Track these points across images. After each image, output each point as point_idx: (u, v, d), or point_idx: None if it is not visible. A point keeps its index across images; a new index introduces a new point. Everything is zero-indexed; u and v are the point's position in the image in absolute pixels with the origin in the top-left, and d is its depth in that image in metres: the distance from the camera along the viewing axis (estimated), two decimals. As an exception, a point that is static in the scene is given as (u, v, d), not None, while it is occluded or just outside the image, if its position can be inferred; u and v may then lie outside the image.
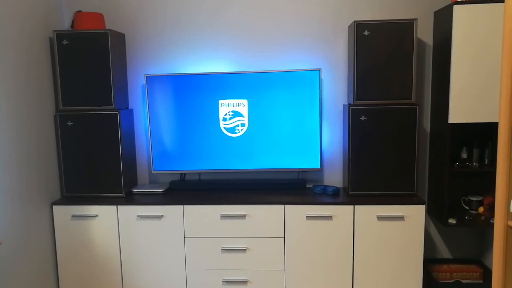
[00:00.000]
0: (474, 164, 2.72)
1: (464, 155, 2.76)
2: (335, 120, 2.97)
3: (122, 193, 2.81)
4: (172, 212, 2.67)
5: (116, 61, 2.77)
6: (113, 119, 2.74)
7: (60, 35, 2.69)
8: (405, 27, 2.56)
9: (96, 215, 2.71)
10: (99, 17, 2.80)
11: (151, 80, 2.88)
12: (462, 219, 2.69)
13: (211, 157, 2.93)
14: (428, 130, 2.95)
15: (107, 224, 2.71)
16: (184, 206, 2.67)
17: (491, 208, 2.74)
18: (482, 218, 2.71)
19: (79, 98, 2.74)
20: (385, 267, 2.62)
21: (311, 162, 2.88)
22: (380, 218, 2.58)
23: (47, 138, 2.74)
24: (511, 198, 1.51)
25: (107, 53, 2.68)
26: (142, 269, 2.74)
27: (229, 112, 2.88)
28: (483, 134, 2.73)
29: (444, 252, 3.07)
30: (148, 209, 2.69)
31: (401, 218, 2.57)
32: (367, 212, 2.59)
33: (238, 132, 2.90)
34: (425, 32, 2.86)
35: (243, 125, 2.89)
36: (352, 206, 2.59)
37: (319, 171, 2.97)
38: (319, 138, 2.85)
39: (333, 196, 2.73)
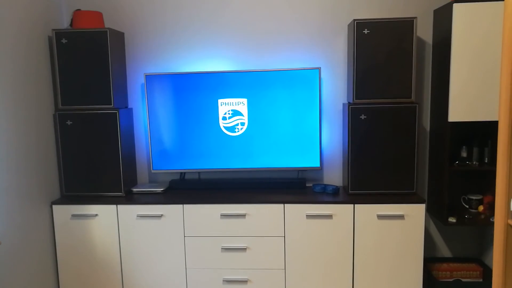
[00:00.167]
0: (474, 162, 2.72)
1: (464, 154, 2.76)
2: (334, 119, 2.97)
3: (121, 192, 2.80)
4: (172, 211, 2.67)
5: (115, 60, 2.77)
6: (112, 118, 2.74)
7: (59, 34, 2.68)
8: (405, 26, 2.55)
9: (96, 215, 2.71)
10: (98, 16, 2.80)
11: (151, 79, 2.88)
12: (462, 217, 2.69)
13: (210, 156, 2.92)
14: (428, 128, 2.95)
15: (107, 224, 2.71)
16: (184, 205, 2.67)
17: (491, 207, 2.74)
18: (482, 216, 2.71)
19: (78, 97, 2.73)
20: (385, 266, 2.62)
21: (311, 161, 2.88)
22: (380, 217, 2.58)
23: (47, 138, 2.74)
24: (511, 197, 1.51)
25: (107, 52, 2.68)
26: (142, 269, 2.74)
27: (228, 111, 2.88)
28: (483, 133, 2.73)
29: (444, 250, 3.07)
30: (148, 208, 2.68)
31: (401, 217, 2.57)
32: (367, 211, 2.58)
33: (238, 131, 2.90)
34: (425, 31, 2.86)
35: (242, 124, 2.89)
36: (352, 205, 2.59)
37: (319, 170, 2.97)
38: (319, 137, 2.85)
39: (333, 195, 2.73)
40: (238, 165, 2.92)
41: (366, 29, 2.57)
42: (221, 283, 2.71)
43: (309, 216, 2.61)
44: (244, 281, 2.70)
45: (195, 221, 2.67)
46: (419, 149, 2.82)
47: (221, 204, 2.65)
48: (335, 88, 2.94)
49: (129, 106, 3.04)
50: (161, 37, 2.97)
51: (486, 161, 2.73)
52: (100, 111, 2.73)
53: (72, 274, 2.77)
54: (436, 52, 2.79)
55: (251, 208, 2.64)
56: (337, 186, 2.81)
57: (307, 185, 2.96)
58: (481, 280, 2.80)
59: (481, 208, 2.78)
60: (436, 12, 2.76)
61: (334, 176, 3.02)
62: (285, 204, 2.62)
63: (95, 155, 2.77)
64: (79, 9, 2.81)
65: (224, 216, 2.65)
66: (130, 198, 2.77)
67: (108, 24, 2.95)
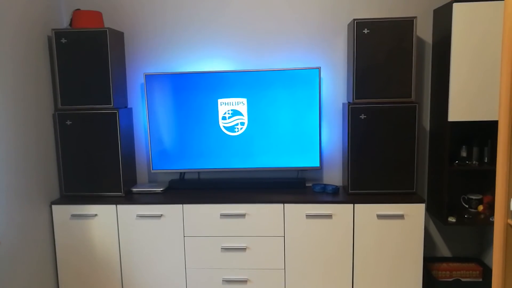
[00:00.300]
0: (474, 162, 2.72)
1: (464, 154, 2.76)
2: (334, 119, 2.97)
3: (121, 192, 2.80)
4: (171, 211, 2.67)
5: (115, 60, 2.76)
6: (112, 118, 2.73)
7: (58, 33, 2.68)
8: (405, 25, 2.55)
9: (96, 215, 2.71)
10: (98, 15, 2.80)
11: (150, 78, 2.87)
12: (462, 217, 2.69)
13: (210, 156, 2.92)
14: (428, 128, 2.95)
15: (107, 224, 2.71)
16: (183, 205, 2.67)
17: (490, 207, 2.74)
18: (482, 216, 2.71)
19: (78, 97, 2.73)
20: (385, 265, 2.62)
21: (310, 160, 2.88)
22: (379, 216, 2.58)
23: (46, 137, 2.74)
24: (511, 197, 1.51)
25: (106, 51, 2.67)
26: (141, 269, 2.74)
27: (228, 110, 2.88)
28: (483, 133, 2.73)
29: (443, 250, 3.07)
30: (148, 208, 2.68)
31: (400, 216, 2.57)
32: (367, 211, 2.58)
33: (238, 131, 2.89)
34: (424, 30, 2.85)
35: (242, 123, 2.88)
36: (352, 204, 2.59)
37: (319, 169, 2.97)
38: (319, 137, 2.85)
39: (333, 195, 2.73)
40: (238, 165, 2.92)
41: (366, 29, 2.57)
42: (221, 283, 2.71)
43: (308, 216, 2.61)
44: (244, 281, 2.70)
45: (194, 221, 2.67)
46: (419, 149, 2.82)
47: (221, 204, 2.65)
48: (335, 87, 2.94)
49: (128, 106, 3.04)
50: (161, 37, 2.97)
51: (486, 161, 2.73)
52: (100, 111, 2.73)
53: (72, 274, 2.77)
54: (436, 52, 2.79)
55: (250, 208, 2.64)
56: (336, 186, 2.81)
57: (307, 185, 2.96)
58: (480, 279, 2.80)
59: (480, 207, 2.78)
60: (436, 12, 2.76)
61: (334, 176, 3.02)
62: (284, 204, 2.62)
63: (94, 155, 2.77)
64: (78, 9, 2.81)
65: (223, 216, 2.65)
66: (130, 198, 2.77)
67: (107, 23, 2.95)
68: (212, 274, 2.71)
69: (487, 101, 2.52)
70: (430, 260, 2.97)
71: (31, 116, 2.57)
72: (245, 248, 2.67)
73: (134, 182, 3.06)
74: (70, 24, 2.80)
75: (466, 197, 2.85)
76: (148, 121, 2.91)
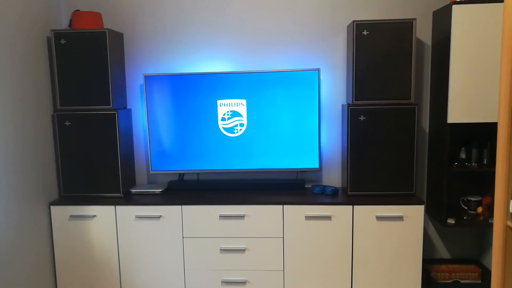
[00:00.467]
0: (473, 164, 2.72)
1: (463, 155, 2.76)
2: (334, 120, 2.97)
3: (120, 193, 2.80)
4: (170, 212, 2.67)
5: (114, 61, 2.76)
6: (111, 119, 2.73)
7: (58, 34, 2.67)
8: (404, 27, 2.56)
9: (94, 216, 2.70)
10: (97, 16, 2.79)
11: (150, 79, 2.87)
12: (461, 219, 2.69)
13: (209, 157, 2.92)
14: (427, 130, 2.95)
15: (105, 225, 2.70)
16: (182, 206, 2.66)
17: (489, 208, 2.74)
18: (481, 218, 2.71)
19: (77, 98, 2.73)
20: (384, 267, 2.62)
21: (310, 162, 2.88)
22: (379, 218, 2.58)
23: (45, 138, 2.73)
24: (511, 198, 1.51)
25: (105, 52, 2.67)
26: (140, 270, 2.73)
27: (228, 112, 2.88)
28: (482, 134, 2.73)
29: (443, 252, 3.07)
30: (147, 209, 2.68)
31: (400, 218, 2.57)
32: (366, 212, 2.58)
33: (237, 132, 2.89)
34: (424, 32, 2.86)
35: (242, 125, 2.88)
36: (351, 206, 2.59)
37: (318, 171, 2.97)
38: (318, 138, 2.85)
39: (332, 196, 2.73)
40: (237, 166, 2.91)
41: (365, 30, 2.57)
42: (220, 284, 2.71)
43: (308, 217, 2.61)
44: (243, 282, 2.69)
45: (193, 222, 2.67)
46: (418, 150, 2.82)
47: (220, 205, 2.64)
48: (334, 89, 2.94)
49: (128, 107, 3.04)
50: (160, 38, 2.96)
51: (485, 163, 2.73)
52: (99, 112, 2.73)
53: (70, 275, 2.76)
54: (435, 53, 2.79)
55: (250, 209, 2.63)
56: (336, 187, 2.81)
57: (306, 186, 2.96)
58: (479, 281, 2.79)
59: (480, 209, 2.78)
60: (435, 13, 2.76)
61: (333, 177, 3.02)
62: (284, 205, 2.62)
63: (93, 156, 2.76)
64: (78, 10, 2.81)
65: (223, 217, 2.65)
66: (129, 199, 2.76)
67: (107, 24, 2.95)
68: (211, 276, 2.70)
69: (487, 103, 2.53)
70: (429, 261, 2.97)
71: (30, 117, 2.57)
72: (244, 249, 2.67)
73: (133, 183, 3.05)
74: (70, 25, 2.80)
75: (465, 199, 2.85)
76: (147, 122, 2.91)
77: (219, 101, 2.87)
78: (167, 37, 2.96)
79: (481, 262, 2.96)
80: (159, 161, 2.94)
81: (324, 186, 2.82)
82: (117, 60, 2.82)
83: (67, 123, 2.74)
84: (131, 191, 2.89)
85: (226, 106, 2.87)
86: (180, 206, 2.66)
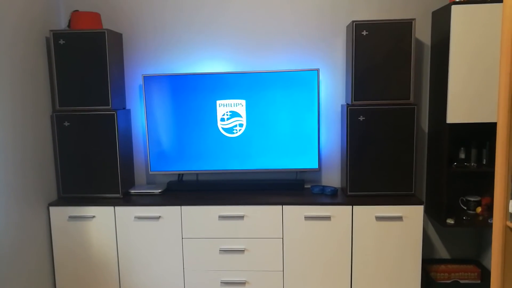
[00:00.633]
0: (472, 164, 2.72)
1: (462, 155, 2.76)
2: (333, 121, 2.96)
3: (119, 193, 2.79)
4: (170, 213, 2.66)
5: (113, 61, 2.76)
6: (110, 120, 2.73)
7: (56, 34, 2.67)
8: (403, 27, 2.56)
9: (93, 216, 2.70)
10: (96, 16, 2.79)
11: (149, 80, 2.87)
12: (460, 219, 2.69)
13: (209, 158, 2.92)
14: (426, 130, 2.95)
15: (105, 225, 2.70)
16: (182, 207, 2.66)
17: (489, 208, 2.74)
18: (480, 218, 2.71)
19: (76, 99, 2.72)
20: (384, 267, 2.62)
21: (309, 162, 2.88)
22: (378, 218, 2.58)
23: (44, 139, 2.73)
24: (510, 199, 1.51)
25: (104, 53, 2.67)
26: (139, 271, 2.73)
27: (227, 112, 2.87)
28: (481, 134, 2.73)
29: (442, 252, 3.07)
30: (146, 210, 2.67)
31: (399, 218, 2.57)
32: (366, 213, 2.58)
33: (236, 133, 2.89)
34: (423, 32, 2.86)
35: (241, 125, 2.88)
36: (351, 206, 2.59)
37: (317, 171, 2.96)
38: (317, 139, 2.85)
39: (331, 197, 2.73)
40: (236, 166, 2.91)
41: (364, 31, 2.57)
42: (219, 285, 2.70)
43: (307, 218, 2.61)
44: (242, 283, 2.69)
45: (193, 222, 2.66)
46: (417, 151, 2.82)
47: (219, 206, 2.64)
48: (333, 89, 2.94)
49: (127, 107, 3.03)
50: (160, 38, 2.96)
51: (484, 163, 2.73)
52: (98, 112, 2.72)
53: (69, 276, 2.76)
54: (435, 54, 2.79)
55: (249, 209, 2.63)
56: (335, 188, 2.81)
57: (305, 186, 2.96)
58: (479, 281, 2.80)
59: (479, 209, 2.78)
60: (435, 14, 2.76)
61: (333, 177, 3.02)
62: (283, 206, 2.61)
63: (92, 157, 2.76)
64: (77, 10, 2.80)
65: (222, 217, 2.65)
66: (128, 200, 2.76)
67: (106, 25, 2.94)
68: (211, 276, 2.70)
69: (486, 103, 2.53)
70: (428, 262, 2.97)
71: (29, 117, 2.57)
72: (243, 250, 2.66)
73: (132, 184, 3.05)
74: (69, 25, 2.80)
75: (464, 199, 2.85)
76: (146, 122, 2.90)
77: (218, 102, 2.87)
78: (166, 37, 2.96)
79: (480, 262, 2.97)
80: (158, 162, 2.94)
81: (324, 186, 2.82)
82: (116, 60, 2.82)
83: (66, 123, 2.74)
84: (130, 192, 2.89)
85: (225, 106, 2.87)
86: (179, 207, 2.66)
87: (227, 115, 2.88)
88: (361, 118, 2.64)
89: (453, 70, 2.52)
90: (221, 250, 2.67)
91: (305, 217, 2.61)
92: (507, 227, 1.53)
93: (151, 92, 2.88)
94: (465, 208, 2.83)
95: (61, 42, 2.67)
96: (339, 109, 2.95)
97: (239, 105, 2.86)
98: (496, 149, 1.54)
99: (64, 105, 2.73)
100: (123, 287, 2.75)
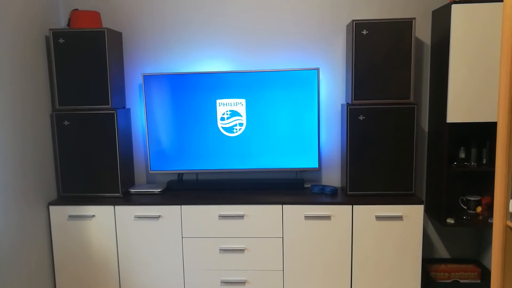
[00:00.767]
0: (472, 163, 2.72)
1: (462, 155, 2.76)
2: (333, 120, 2.96)
3: (119, 193, 2.79)
4: (169, 212, 2.66)
5: (113, 60, 2.76)
6: (110, 119, 2.72)
7: (56, 33, 2.67)
8: (404, 26, 2.55)
9: (93, 215, 2.70)
10: (96, 15, 2.79)
11: (149, 79, 2.87)
12: (460, 218, 2.69)
13: (209, 157, 2.91)
14: (426, 129, 2.95)
15: (104, 225, 2.70)
16: (182, 206, 2.66)
17: (489, 208, 2.74)
18: (480, 217, 2.71)
19: (75, 98, 2.72)
20: (384, 267, 2.62)
21: (309, 161, 2.88)
22: (378, 218, 2.58)
23: (44, 138, 2.72)
24: (510, 198, 1.51)
25: (104, 52, 2.67)
26: (139, 270, 2.73)
27: (227, 111, 2.87)
28: (481, 134, 2.73)
29: (442, 252, 3.07)
30: (146, 209, 2.67)
31: (399, 218, 2.57)
32: (366, 212, 2.58)
33: (236, 132, 2.89)
34: (423, 32, 2.85)
35: (241, 124, 2.88)
36: (351, 206, 2.59)
37: (317, 171, 2.96)
38: (317, 138, 2.85)
39: (331, 196, 2.73)
40: (236, 165, 2.91)
41: (364, 30, 2.57)
42: (219, 284, 2.70)
43: (307, 217, 2.61)
44: (242, 282, 2.69)
45: (193, 222, 2.66)
46: (417, 150, 2.82)
47: (219, 205, 2.64)
48: (333, 88, 2.94)
49: (126, 107, 3.03)
50: (160, 37, 2.96)
51: (484, 162, 2.73)
52: (98, 112, 2.72)
53: (69, 275, 2.75)
54: (435, 53, 2.79)
55: (249, 209, 2.63)
56: (335, 187, 2.80)
57: (305, 186, 2.95)
58: (479, 281, 2.79)
59: (479, 209, 2.78)
60: (435, 13, 2.76)
61: (333, 177, 3.02)
62: (283, 205, 2.61)
63: (92, 156, 2.76)
64: (76, 9, 2.80)
65: (222, 217, 2.65)
66: (128, 199, 2.76)
67: (106, 24, 2.94)
68: (211, 276, 2.70)
69: (486, 102, 2.52)
70: (428, 261, 2.97)
71: (28, 116, 2.56)
72: (243, 249, 2.66)
73: (132, 183, 3.05)
74: (68, 24, 2.79)
75: (464, 199, 2.84)
76: (146, 121, 2.90)
77: (218, 101, 2.86)
78: (166, 36, 2.95)
79: (480, 262, 2.96)
80: (158, 161, 2.94)
81: (324, 185, 2.82)
82: (116, 59, 2.81)
83: (66, 122, 2.73)
84: (130, 191, 2.89)
85: (225, 105, 2.87)
86: (179, 206, 2.66)
87: (227, 114, 2.88)
88: (361, 118, 2.64)
89: (453, 70, 2.51)
90: (221, 250, 2.67)
91: (305, 216, 2.61)
92: (507, 226, 1.53)
93: (151, 91, 2.88)
94: (465, 207, 2.83)
95: (61, 41, 2.67)
96: (339, 108, 2.95)
97: (239, 104, 2.86)
98: (496, 149, 1.54)
99: (64, 104, 2.73)
100: (123, 286, 2.75)
